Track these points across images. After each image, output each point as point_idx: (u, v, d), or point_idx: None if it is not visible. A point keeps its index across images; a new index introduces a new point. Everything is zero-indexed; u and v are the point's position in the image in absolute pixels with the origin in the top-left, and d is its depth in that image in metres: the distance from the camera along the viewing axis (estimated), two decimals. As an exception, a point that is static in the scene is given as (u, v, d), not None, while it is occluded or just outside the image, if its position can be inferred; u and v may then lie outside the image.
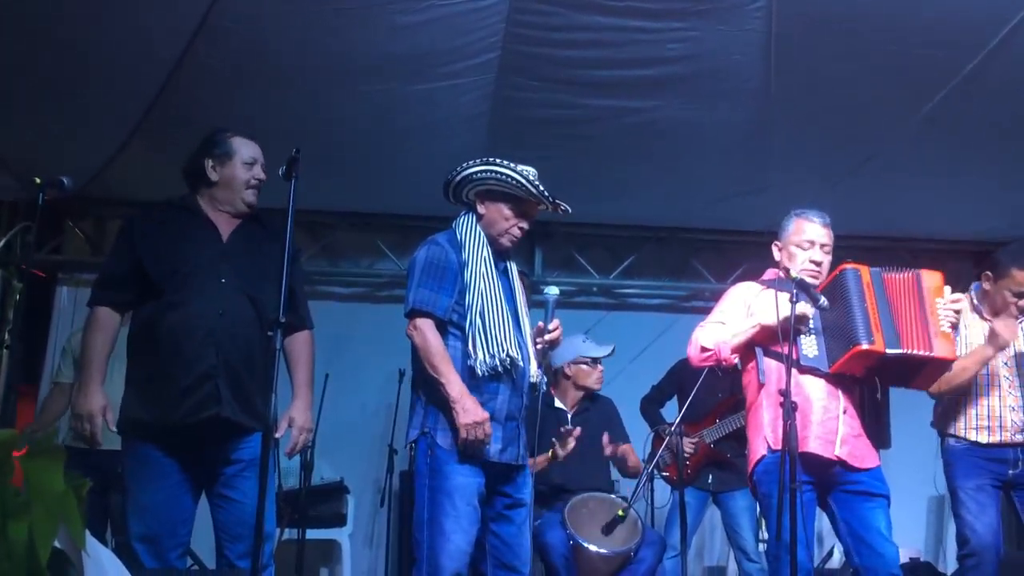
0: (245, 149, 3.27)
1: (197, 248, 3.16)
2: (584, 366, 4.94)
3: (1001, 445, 3.85)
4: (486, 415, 3.14)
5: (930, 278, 3.38)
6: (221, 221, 3.25)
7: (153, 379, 3.08)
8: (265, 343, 3.08)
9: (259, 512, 2.70)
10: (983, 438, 3.86)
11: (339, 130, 4.84)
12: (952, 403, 3.92)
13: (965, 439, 3.89)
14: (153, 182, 5.47)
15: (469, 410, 3.11)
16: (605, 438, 4.80)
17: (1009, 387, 3.89)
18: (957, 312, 3.36)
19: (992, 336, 3.76)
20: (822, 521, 4.59)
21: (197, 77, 4.33)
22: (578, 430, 4.53)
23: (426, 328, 3.20)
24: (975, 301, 3.99)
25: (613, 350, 5.02)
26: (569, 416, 4.92)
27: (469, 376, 3.21)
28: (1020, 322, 3.92)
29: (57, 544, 1.37)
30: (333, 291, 6.42)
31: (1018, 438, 3.84)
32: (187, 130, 4.86)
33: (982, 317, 3.95)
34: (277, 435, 3.22)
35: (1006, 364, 3.90)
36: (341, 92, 4.53)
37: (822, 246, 3.44)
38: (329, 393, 5.52)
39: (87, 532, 1.53)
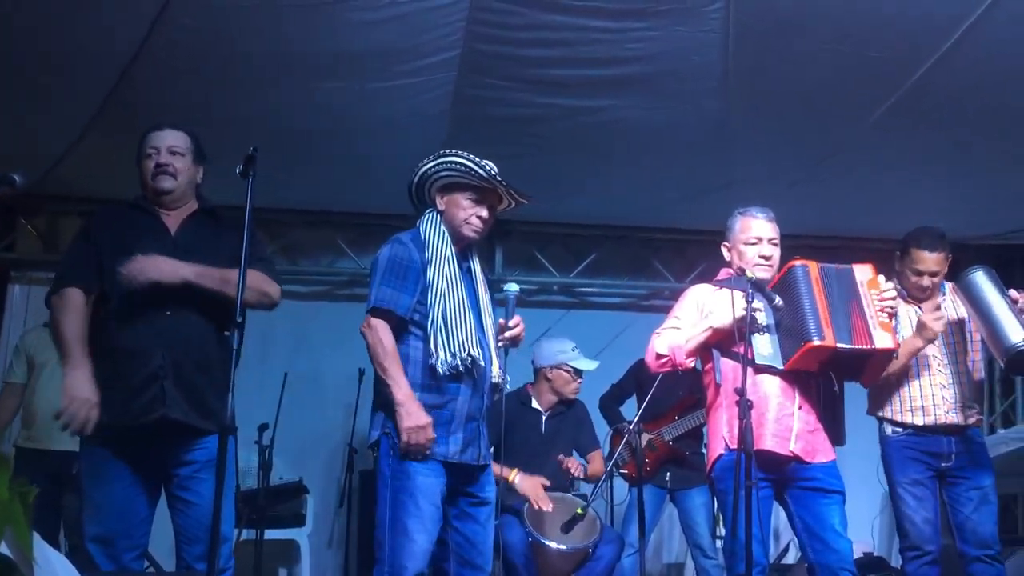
0: (147, 141, 3.24)
1: (145, 247, 3.12)
2: (565, 374, 4.95)
3: (935, 430, 3.91)
4: (429, 420, 3.14)
5: (862, 271, 3.44)
6: (171, 218, 3.23)
7: (105, 381, 3.04)
8: (221, 341, 3.08)
9: (215, 515, 2.67)
10: (918, 419, 3.93)
11: (298, 127, 4.80)
12: (885, 387, 3.98)
13: (900, 422, 3.96)
14: (107, 179, 5.40)
15: (413, 414, 3.11)
16: (560, 457, 4.81)
17: (939, 367, 3.96)
18: (894, 299, 3.42)
19: (921, 328, 3.84)
20: (778, 517, 4.63)
21: (153, 72, 4.27)
22: (550, 505, 4.52)
23: (379, 327, 3.19)
24: (898, 286, 4.06)
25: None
26: (544, 418, 4.94)
27: (430, 376, 3.21)
28: (943, 301, 4.01)
29: (4, 551, 1.34)
30: (292, 290, 6.35)
31: (951, 416, 3.91)
32: (141, 125, 4.81)
33: (906, 301, 4.02)
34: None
35: (934, 344, 3.94)
36: (300, 89, 4.49)
37: (770, 240, 3.49)
38: (288, 392, 5.48)
39: (38, 537, 1.50)
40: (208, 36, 4.07)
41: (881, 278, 3.45)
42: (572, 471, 4.81)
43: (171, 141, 3.24)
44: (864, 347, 3.30)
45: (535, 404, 4.96)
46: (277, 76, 4.38)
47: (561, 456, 4.82)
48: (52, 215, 6.19)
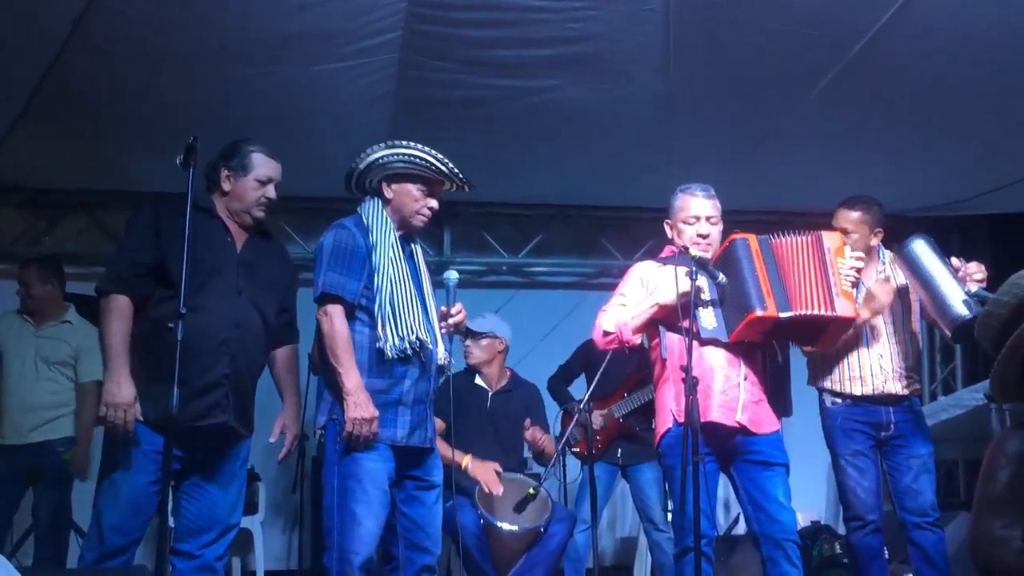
0: (262, 168, 3.31)
1: (215, 253, 3.17)
2: (466, 340, 4.94)
3: (873, 399, 3.97)
4: (376, 413, 3.15)
5: (831, 239, 3.51)
6: (234, 228, 3.29)
7: (162, 379, 3.02)
8: (267, 355, 3.34)
9: (162, 513, 2.77)
10: (856, 389, 3.98)
11: (240, 112, 4.73)
12: (824, 357, 4.02)
13: (840, 392, 4.01)
14: (44, 168, 5.29)
15: (361, 404, 3.12)
16: (527, 422, 4.84)
17: (879, 336, 4.00)
18: (858, 270, 3.48)
19: (869, 299, 3.88)
20: (728, 488, 4.70)
21: (88, 57, 4.18)
22: (500, 489, 4.53)
23: (336, 315, 3.20)
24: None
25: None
26: (489, 394, 4.93)
27: (378, 360, 3.22)
28: (883, 270, 4.06)
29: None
30: (238, 276, 6.29)
31: (889, 387, 3.97)
32: (77, 112, 4.71)
33: None
34: (271, 439, 3.38)
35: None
36: (241, 72, 4.42)
37: (708, 218, 3.53)
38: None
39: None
40: (144, 20, 3.98)
41: (847, 248, 3.51)
42: (539, 441, 4.78)
43: (280, 175, 3.36)
44: (823, 313, 3.37)
45: (479, 380, 4.95)
46: (217, 61, 4.31)
47: (528, 423, 4.79)
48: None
